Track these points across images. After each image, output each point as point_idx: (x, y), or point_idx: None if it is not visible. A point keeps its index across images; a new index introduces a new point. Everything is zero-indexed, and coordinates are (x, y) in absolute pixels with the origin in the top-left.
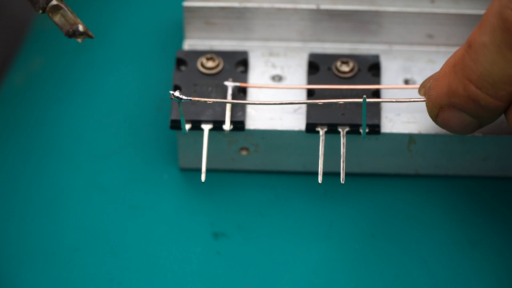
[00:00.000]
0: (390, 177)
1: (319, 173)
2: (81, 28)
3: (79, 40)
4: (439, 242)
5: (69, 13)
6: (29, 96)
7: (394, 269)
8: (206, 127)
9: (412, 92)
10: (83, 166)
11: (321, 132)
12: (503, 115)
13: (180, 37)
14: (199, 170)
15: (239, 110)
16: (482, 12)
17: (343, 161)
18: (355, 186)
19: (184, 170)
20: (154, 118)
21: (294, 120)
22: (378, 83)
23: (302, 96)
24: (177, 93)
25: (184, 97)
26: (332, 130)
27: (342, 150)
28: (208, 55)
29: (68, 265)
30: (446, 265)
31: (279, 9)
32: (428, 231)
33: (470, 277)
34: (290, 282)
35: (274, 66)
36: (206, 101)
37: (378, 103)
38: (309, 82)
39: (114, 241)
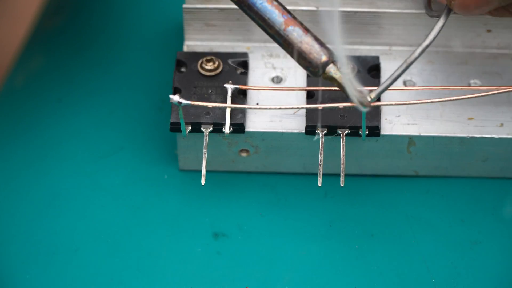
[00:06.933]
0: (390, 177)
1: (319, 176)
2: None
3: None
4: (439, 242)
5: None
6: (29, 96)
7: (394, 269)
8: (206, 130)
9: (412, 94)
10: (83, 166)
11: (321, 135)
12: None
13: (180, 38)
14: (199, 171)
15: (239, 113)
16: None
17: (342, 164)
18: (355, 187)
19: (184, 171)
20: (154, 119)
21: (293, 122)
22: (378, 84)
23: (301, 98)
24: (176, 97)
25: (184, 101)
26: (332, 132)
27: (342, 152)
28: (208, 57)
29: (68, 265)
30: (446, 265)
31: None
32: (428, 231)
33: (470, 277)
34: (290, 282)
35: (274, 67)
36: (206, 106)
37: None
38: (309, 84)
39: (114, 241)
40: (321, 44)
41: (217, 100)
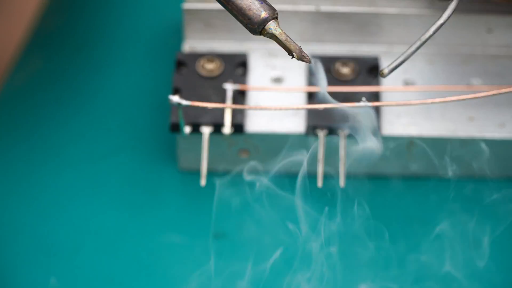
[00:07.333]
0: (390, 177)
1: (318, 176)
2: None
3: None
4: (439, 242)
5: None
6: (29, 96)
7: (394, 269)
8: (206, 130)
9: (412, 94)
10: (83, 166)
11: (321, 135)
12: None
13: (180, 38)
14: (199, 171)
15: (238, 113)
16: (482, 13)
17: (343, 164)
18: (355, 186)
19: (184, 171)
20: (154, 119)
21: (294, 122)
22: (378, 84)
23: (302, 98)
24: (176, 98)
25: (183, 102)
26: (332, 132)
27: (342, 153)
28: (208, 57)
29: (68, 265)
30: (446, 265)
31: (279, 11)
32: (428, 231)
33: (470, 277)
34: (290, 282)
35: (274, 67)
36: (206, 106)
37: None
38: (309, 84)
39: (114, 241)
40: (261, 0)
41: (217, 101)
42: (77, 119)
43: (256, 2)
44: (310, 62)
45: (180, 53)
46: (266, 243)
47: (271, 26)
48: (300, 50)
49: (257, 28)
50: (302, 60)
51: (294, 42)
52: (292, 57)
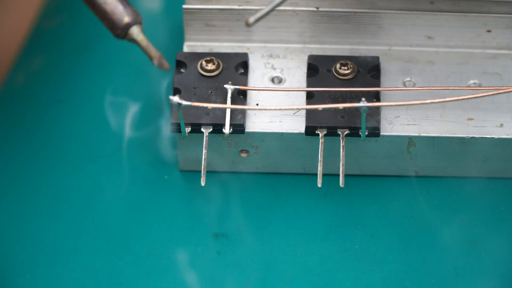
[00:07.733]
0: (390, 177)
1: (318, 176)
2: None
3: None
4: (439, 242)
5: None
6: (29, 96)
7: (394, 269)
8: (206, 131)
9: (412, 94)
10: (83, 166)
11: (321, 135)
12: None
13: (180, 38)
14: (199, 172)
15: (238, 113)
16: (481, 13)
17: (342, 165)
18: (355, 187)
19: (184, 171)
20: (155, 119)
21: (293, 122)
22: (378, 85)
23: (301, 98)
24: (176, 98)
25: (183, 102)
26: (332, 132)
27: (342, 153)
28: (208, 57)
29: (68, 265)
30: (446, 265)
31: (279, 11)
32: (428, 231)
33: (470, 277)
34: (290, 282)
35: (273, 68)
36: (206, 106)
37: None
38: (309, 84)
39: (114, 241)
40: (126, 5)
41: (217, 101)
42: (77, 119)
43: (120, 7)
44: (169, 70)
45: (180, 53)
46: (266, 243)
47: (134, 31)
48: (160, 57)
49: (120, 33)
50: (161, 67)
51: (155, 49)
52: (153, 64)
